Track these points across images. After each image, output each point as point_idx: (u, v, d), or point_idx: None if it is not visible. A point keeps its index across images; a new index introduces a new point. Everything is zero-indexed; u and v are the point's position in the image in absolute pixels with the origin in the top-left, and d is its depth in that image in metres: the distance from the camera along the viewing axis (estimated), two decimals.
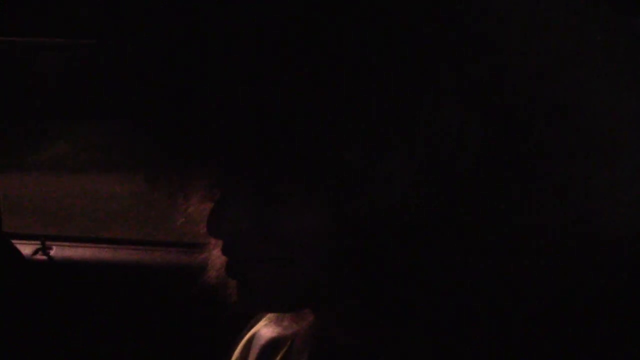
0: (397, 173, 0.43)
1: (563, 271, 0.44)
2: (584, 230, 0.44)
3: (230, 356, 0.68)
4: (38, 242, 1.90)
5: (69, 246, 1.92)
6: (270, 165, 0.46)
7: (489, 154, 0.43)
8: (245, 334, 0.68)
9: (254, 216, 0.49)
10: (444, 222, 0.44)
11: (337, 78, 0.43)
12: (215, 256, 0.57)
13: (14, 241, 1.92)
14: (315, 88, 0.43)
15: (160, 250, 1.86)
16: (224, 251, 0.51)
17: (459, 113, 0.43)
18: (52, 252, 1.88)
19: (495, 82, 0.43)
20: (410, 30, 0.43)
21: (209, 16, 0.46)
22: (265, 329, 0.65)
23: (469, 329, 0.46)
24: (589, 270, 0.44)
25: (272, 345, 0.63)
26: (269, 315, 0.66)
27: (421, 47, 0.43)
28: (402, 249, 0.45)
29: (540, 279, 0.44)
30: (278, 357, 0.62)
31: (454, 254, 0.44)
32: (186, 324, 1.73)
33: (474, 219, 0.44)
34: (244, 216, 0.49)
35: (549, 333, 0.45)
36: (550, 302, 0.45)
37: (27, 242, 1.92)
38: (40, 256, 1.87)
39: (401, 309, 0.47)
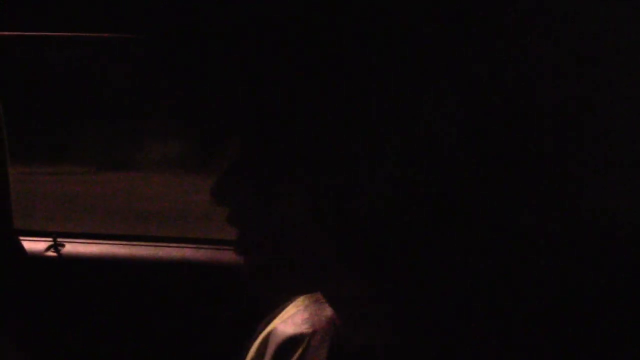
0: (397, 173, 0.44)
1: (563, 271, 0.45)
2: (585, 231, 0.45)
3: (247, 353, 0.68)
4: (50, 238, 1.92)
5: (80, 243, 1.94)
6: (270, 165, 0.47)
7: (490, 154, 0.44)
8: (262, 330, 0.68)
9: (254, 212, 0.50)
10: (445, 222, 0.45)
11: (337, 78, 0.44)
12: None
13: (25, 238, 1.95)
14: (315, 88, 0.44)
15: (174, 247, 1.87)
16: (228, 220, 0.52)
17: (459, 113, 0.44)
18: (63, 249, 1.91)
19: (496, 83, 0.44)
20: (410, 30, 0.44)
21: (208, 16, 0.47)
22: (282, 326, 0.65)
23: (469, 329, 0.46)
24: (589, 270, 0.45)
25: (289, 343, 0.63)
26: (286, 312, 0.66)
27: (421, 47, 0.44)
28: (402, 248, 0.46)
29: (540, 278, 0.45)
30: (295, 356, 0.61)
31: (454, 254, 0.45)
32: (200, 321, 1.74)
33: (474, 219, 0.45)
34: (246, 201, 0.50)
35: (549, 333, 0.46)
36: (551, 302, 0.46)
37: (39, 239, 1.94)
38: (51, 253, 1.89)
39: (401, 309, 0.49)
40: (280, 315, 0.67)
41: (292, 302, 0.67)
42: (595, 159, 0.46)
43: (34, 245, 1.93)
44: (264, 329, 0.68)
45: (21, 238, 1.95)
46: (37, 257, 1.90)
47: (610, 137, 0.46)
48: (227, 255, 1.78)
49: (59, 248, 1.91)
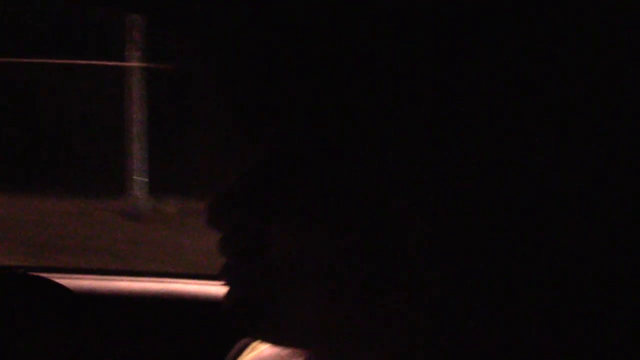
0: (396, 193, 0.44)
1: (563, 271, 0.45)
2: (585, 230, 0.45)
3: None
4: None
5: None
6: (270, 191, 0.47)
7: (491, 157, 0.43)
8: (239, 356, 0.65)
9: (248, 239, 0.48)
10: (445, 223, 0.44)
11: (343, 86, 0.44)
12: None
13: None
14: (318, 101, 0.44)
15: (154, 281, 1.86)
16: (219, 245, 0.49)
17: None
18: None
19: (495, 89, 0.43)
20: (412, 30, 0.43)
21: (208, 17, 0.47)
22: (262, 356, 0.62)
23: (469, 328, 0.46)
24: (590, 270, 0.45)
25: None
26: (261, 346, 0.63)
27: (426, 52, 0.43)
28: (402, 258, 0.45)
29: (540, 278, 0.45)
30: None
31: (454, 253, 0.45)
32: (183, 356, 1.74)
33: (473, 220, 0.44)
34: (242, 227, 0.48)
35: (549, 333, 0.45)
36: (551, 302, 0.45)
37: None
38: None
39: (401, 313, 0.47)
40: (254, 347, 0.64)
41: None
42: (595, 159, 0.44)
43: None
44: (244, 355, 0.64)
45: None
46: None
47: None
48: (201, 289, 1.80)
49: None
